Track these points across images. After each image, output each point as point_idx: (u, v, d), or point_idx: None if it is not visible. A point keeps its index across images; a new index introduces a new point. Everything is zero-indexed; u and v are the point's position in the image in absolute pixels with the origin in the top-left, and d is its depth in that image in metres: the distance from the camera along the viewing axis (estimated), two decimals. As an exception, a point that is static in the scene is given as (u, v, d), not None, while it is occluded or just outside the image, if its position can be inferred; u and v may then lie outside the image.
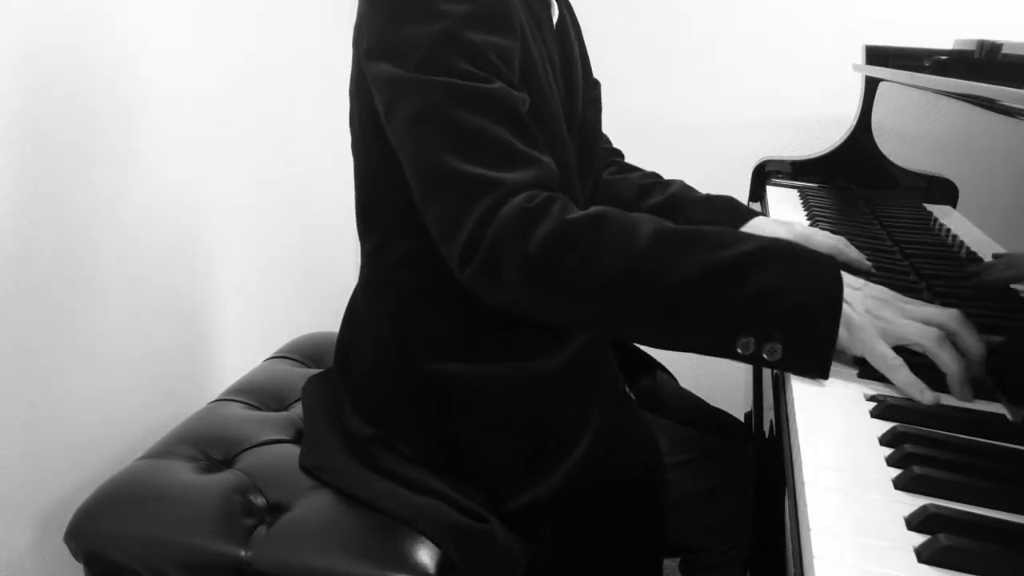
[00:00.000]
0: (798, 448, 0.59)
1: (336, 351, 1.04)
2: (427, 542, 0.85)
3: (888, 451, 0.59)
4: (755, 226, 1.03)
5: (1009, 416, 0.67)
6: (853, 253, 0.98)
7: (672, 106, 1.85)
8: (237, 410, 1.10)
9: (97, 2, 1.15)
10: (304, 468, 0.95)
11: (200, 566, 0.85)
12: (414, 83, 0.77)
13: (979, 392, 0.70)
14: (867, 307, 0.71)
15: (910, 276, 0.98)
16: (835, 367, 0.73)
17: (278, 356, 1.29)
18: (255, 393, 1.15)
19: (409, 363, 0.92)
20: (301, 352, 1.29)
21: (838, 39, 1.63)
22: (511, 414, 0.90)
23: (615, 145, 1.25)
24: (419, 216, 0.81)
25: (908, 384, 0.68)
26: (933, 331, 0.69)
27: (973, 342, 0.70)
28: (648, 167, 1.20)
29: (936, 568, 0.47)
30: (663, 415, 1.06)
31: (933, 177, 1.12)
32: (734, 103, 1.81)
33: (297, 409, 1.10)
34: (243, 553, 0.84)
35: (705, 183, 1.14)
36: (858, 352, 0.70)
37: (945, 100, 1.06)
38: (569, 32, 0.99)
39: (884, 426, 0.63)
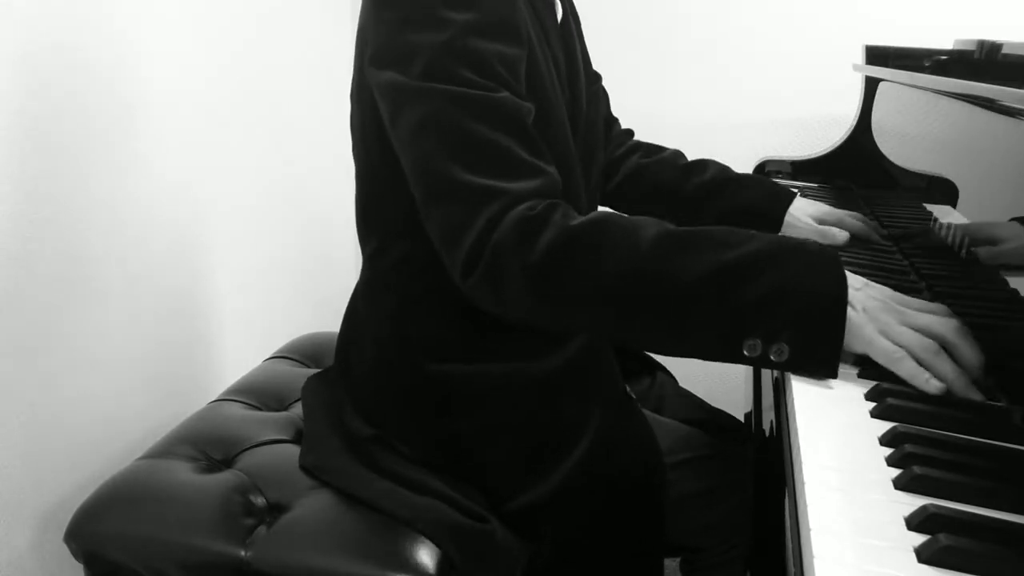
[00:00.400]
0: (798, 448, 0.59)
1: (336, 351, 1.04)
2: (427, 542, 0.85)
3: (888, 451, 0.59)
4: (798, 204, 1.11)
5: (1009, 416, 0.67)
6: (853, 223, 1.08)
7: (672, 106, 1.86)
8: (237, 410, 1.10)
9: (97, 2, 1.15)
10: (304, 468, 0.95)
11: (200, 566, 0.85)
12: (418, 91, 0.77)
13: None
14: (866, 307, 0.71)
15: (910, 276, 0.98)
16: (835, 367, 0.73)
17: (278, 356, 1.29)
18: (255, 393, 1.15)
19: (409, 363, 0.92)
20: (301, 352, 1.29)
21: (838, 39, 1.63)
22: (511, 414, 0.90)
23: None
24: (419, 218, 0.81)
25: (913, 375, 0.67)
26: (929, 343, 0.69)
27: (970, 355, 0.69)
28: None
29: (936, 568, 0.47)
30: (663, 415, 1.06)
31: (933, 177, 1.12)
32: (734, 103, 1.81)
33: (297, 409, 1.10)
34: (243, 553, 0.84)
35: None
36: (860, 350, 0.70)
37: (945, 100, 1.06)
38: (572, 31, 0.99)
39: (884, 426, 0.63)
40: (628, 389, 1.02)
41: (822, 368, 0.69)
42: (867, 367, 0.72)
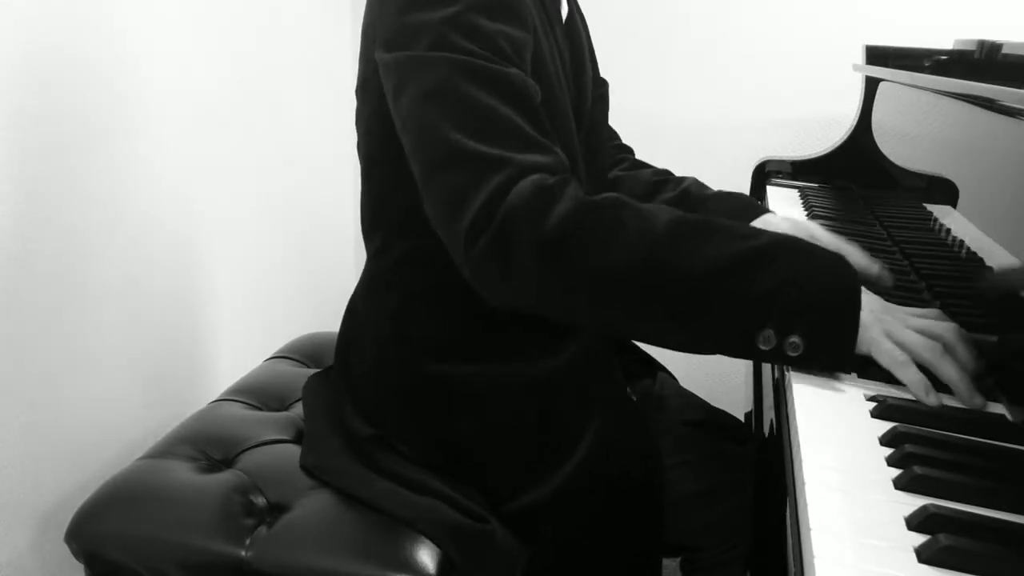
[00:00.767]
0: (798, 448, 0.59)
1: (336, 351, 1.04)
2: (427, 542, 0.85)
3: (888, 451, 0.59)
4: (765, 222, 1.02)
5: (1009, 416, 0.67)
6: (865, 261, 0.89)
7: (672, 106, 1.86)
8: (237, 410, 1.10)
9: (97, 2, 1.15)
10: (304, 468, 0.95)
11: (200, 566, 0.85)
12: (425, 61, 0.75)
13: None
14: (871, 308, 0.71)
15: (910, 276, 0.98)
16: (835, 367, 0.73)
17: (278, 356, 1.29)
18: (255, 393, 1.15)
19: (409, 363, 0.92)
20: (301, 352, 1.29)
21: (838, 39, 1.63)
22: (511, 415, 0.89)
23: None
24: (422, 215, 0.79)
25: (915, 382, 0.67)
26: (933, 344, 0.68)
27: (967, 358, 0.69)
28: (649, 167, 1.20)
29: (936, 568, 0.47)
30: (664, 415, 1.06)
31: (933, 177, 1.12)
32: (734, 103, 1.81)
33: (297, 409, 1.10)
34: (243, 553, 0.84)
35: (705, 183, 1.14)
36: (865, 350, 0.69)
37: (945, 100, 1.06)
38: (578, 29, 0.99)
39: (884, 426, 0.63)
40: (628, 390, 1.02)
41: (838, 359, 0.68)
42: (866, 368, 0.72)
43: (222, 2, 1.45)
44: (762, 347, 0.67)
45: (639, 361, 1.13)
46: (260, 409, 1.12)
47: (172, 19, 1.31)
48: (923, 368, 0.68)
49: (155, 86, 1.28)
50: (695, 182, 1.11)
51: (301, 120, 1.76)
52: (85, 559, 0.89)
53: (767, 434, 0.72)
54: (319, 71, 1.80)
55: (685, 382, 1.18)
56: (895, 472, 0.56)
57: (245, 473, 0.95)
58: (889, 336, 0.69)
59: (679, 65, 1.83)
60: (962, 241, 0.92)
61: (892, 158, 1.36)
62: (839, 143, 1.51)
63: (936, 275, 0.95)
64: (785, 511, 0.56)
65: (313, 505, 0.89)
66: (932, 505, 0.52)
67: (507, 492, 0.88)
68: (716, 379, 1.72)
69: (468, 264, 0.73)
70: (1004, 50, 1.20)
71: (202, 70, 1.40)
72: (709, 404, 1.12)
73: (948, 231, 0.98)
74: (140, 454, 0.99)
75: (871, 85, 1.46)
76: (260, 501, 0.91)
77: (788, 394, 0.68)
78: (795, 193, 1.46)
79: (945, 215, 1.00)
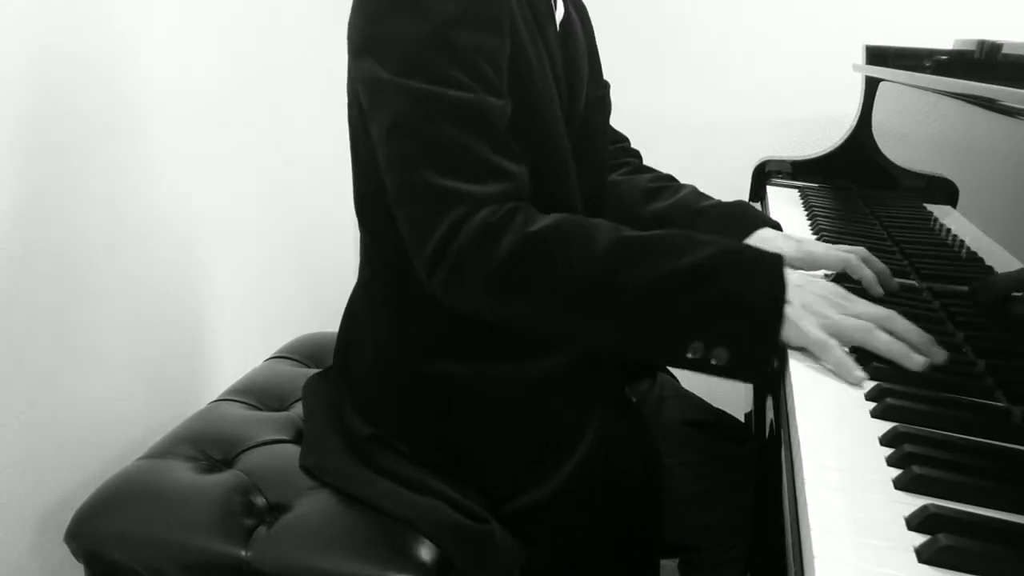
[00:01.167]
0: (798, 448, 0.59)
1: (335, 351, 1.04)
2: (427, 542, 0.85)
3: (888, 451, 0.59)
4: (761, 238, 0.99)
5: (1009, 416, 0.67)
6: (866, 272, 0.89)
7: (672, 106, 1.85)
8: (237, 410, 1.10)
9: (97, 2, 1.15)
10: (304, 468, 0.95)
11: (200, 566, 0.85)
12: (393, 88, 0.78)
13: (979, 392, 0.70)
14: (804, 302, 0.74)
15: (910, 276, 0.98)
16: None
17: (278, 356, 1.29)
18: (255, 393, 1.15)
19: (408, 363, 0.92)
20: (301, 352, 1.29)
21: (838, 39, 1.63)
22: (510, 415, 0.89)
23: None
24: None
25: (840, 363, 0.70)
26: (862, 323, 0.72)
27: (909, 331, 0.72)
28: (648, 167, 1.20)
29: (936, 568, 0.47)
30: (664, 416, 1.06)
31: (933, 177, 1.12)
32: (734, 103, 1.81)
33: (297, 409, 1.10)
34: (243, 553, 0.84)
35: (705, 183, 1.13)
36: (796, 343, 0.72)
37: (945, 100, 1.06)
38: (575, 32, 0.99)
39: (884, 426, 0.63)
40: (628, 390, 1.02)
41: (757, 370, 0.72)
42: (867, 368, 0.72)
43: (222, 2, 1.45)
44: (690, 356, 0.72)
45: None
46: (260, 409, 1.12)
47: (173, 19, 1.31)
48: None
49: (155, 86, 1.28)
50: (691, 192, 1.08)
51: (301, 120, 1.76)
52: (85, 559, 0.89)
53: (767, 434, 0.72)
54: (319, 71, 1.79)
55: (685, 382, 1.18)
56: (895, 472, 0.56)
57: (245, 473, 0.95)
58: (823, 326, 0.72)
59: (679, 65, 1.83)
60: (962, 241, 0.92)
61: (892, 158, 1.36)
62: (839, 143, 1.51)
63: (936, 275, 0.95)
64: (785, 511, 0.56)
65: (313, 505, 0.89)
66: (932, 505, 0.52)
67: (507, 492, 0.88)
68: (716, 379, 1.72)
69: (430, 287, 0.80)
70: (1004, 50, 1.20)
71: (202, 70, 1.40)
72: (709, 404, 1.12)
73: (948, 231, 0.98)
74: (140, 454, 0.99)
75: (871, 85, 1.46)
76: (260, 501, 0.91)
77: (788, 394, 0.68)
78: (795, 193, 1.45)
79: (945, 215, 1.00)
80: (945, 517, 0.50)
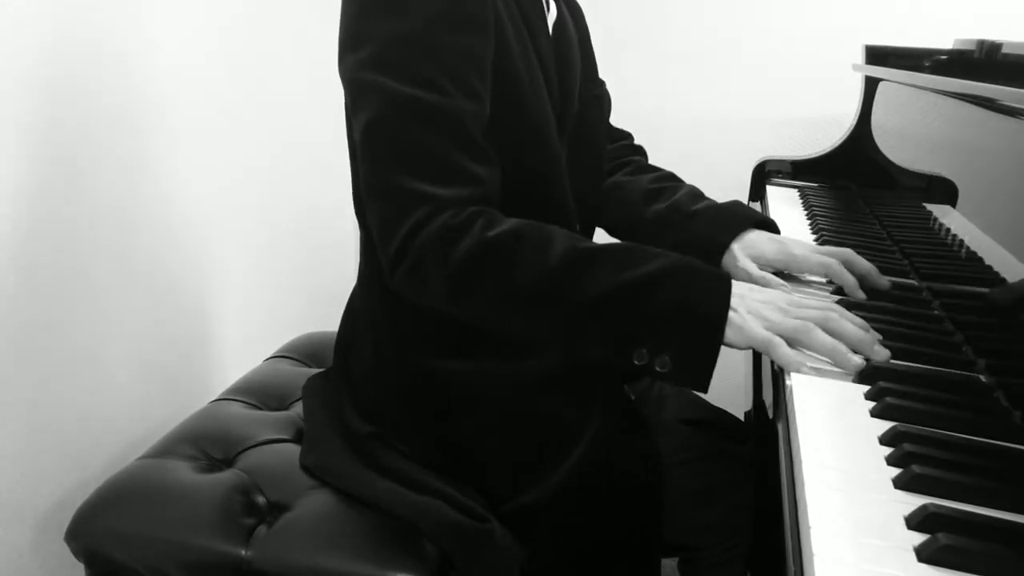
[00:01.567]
0: (798, 448, 0.59)
1: (335, 351, 1.04)
2: (427, 542, 0.85)
3: (888, 450, 0.59)
4: (746, 241, 0.99)
5: (1009, 416, 0.67)
6: (847, 278, 0.90)
7: (672, 106, 1.85)
8: (237, 409, 1.10)
9: (97, 3, 1.15)
10: (304, 468, 0.95)
11: (201, 566, 0.85)
12: (371, 87, 0.79)
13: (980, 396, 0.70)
14: (749, 308, 0.76)
15: (910, 276, 0.98)
16: (835, 367, 0.73)
17: (278, 356, 1.29)
18: (255, 392, 1.15)
19: (408, 362, 0.92)
20: (301, 352, 1.29)
21: (838, 39, 1.63)
22: (510, 414, 0.90)
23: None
24: None
25: (787, 358, 0.73)
26: (801, 324, 0.75)
27: (849, 332, 0.74)
28: (648, 167, 1.19)
29: (936, 567, 0.47)
30: (663, 415, 1.06)
31: (933, 177, 1.12)
32: (734, 103, 1.81)
33: (297, 408, 1.10)
34: (243, 553, 0.84)
35: (705, 183, 1.13)
36: (743, 345, 0.75)
37: (945, 100, 1.06)
38: (567, 32, 0.99)
39: (884, 425, 0.63)
40: (627, 388, 1.02)
41: (697, 379, 0.75)
42: (867, 367, 0.72)
43: (228, 2, 1.45)
44: (636, 362, 0.75)
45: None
46: (260, 409, 1.12)
47: (171, 15, 1.31)
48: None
49: (157, 85, 1.28)
50: (688, 194, 1.08)
51: (302, 120, 1.76)
52: (85, 559, 0.89)
53: (767, 434, 0.72)
54: (323, 71, 1.79)
55: (685, 382, 1.18)
56: (895, 471, 0.56)
57: (245, 472, 0.95)
58: (768, 328, 0.75)
59: (679, 65, 1.83)
60: (962, 241, 0.92)
61: (892, 158, 1.36)
62: (839, 143, 1.51)
63: (936, 275, 0.95)
64: (785, 511, 0.56)
65: (313, 505, 0.90)
66: (932, 504, 0.52)
67: (506, 491, 0.88)
68: (716, 379, 1.71)
69: (393, 284, 0.82)
70: (1004, 50, 1.20)
71: (205, 69, 1.40)
72: (709, 403, 1.12)
73: (948, 231, 0.98)
74: (140, 453, 0.99)
75: (871, 85, 1.46)
76: (260, 500, 0.91)
77: (788, 394, 0.68)
78: (795, 193, 1.46)
79: (945, 215, 1.00)
80: (945, 516, 0.51)
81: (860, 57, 1.45)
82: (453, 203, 0.79)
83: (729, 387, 1.79)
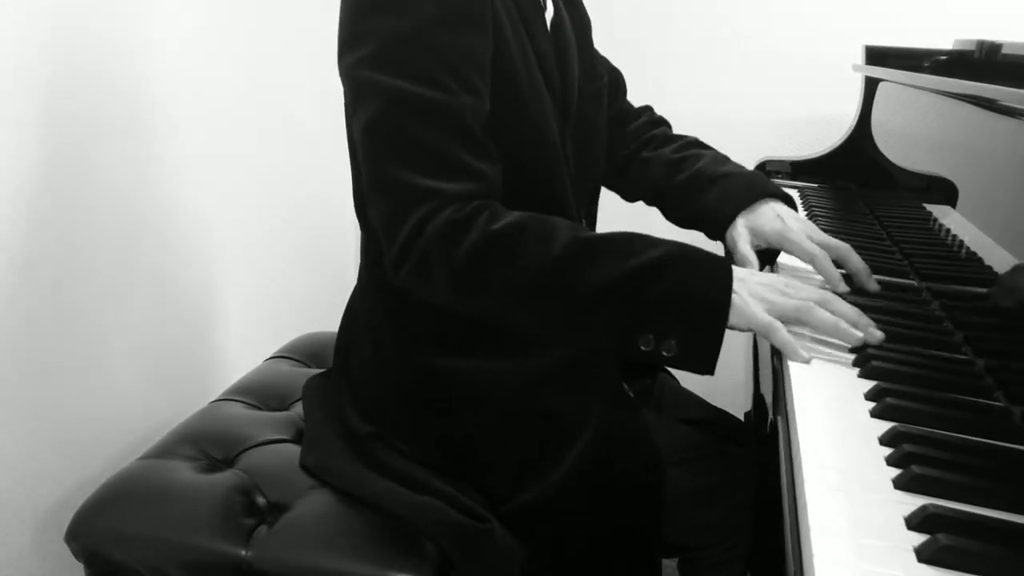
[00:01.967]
0: (798, 448, 0.59)
1: (336, 351, 1.04)
2: (427, 542, 0.85)
3: (888, 451, 0.59)
4: (756, 212, 1.00)
5: (1009, 416, 0.67)
6: (831, 272, 0.91)
7: (672, 106, 1.84)
8: (238, 410, 1.10)
9: (97, 3, 1.15)
10: (305, 468, 0.95)
11: (201, 566, 0.85)
12: (371, 85, 0.80)
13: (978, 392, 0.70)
14: (751, 291, 0.78)
15: (909, 276, 0.98)
16: (835, 367, 0.73)
17: (278, 356, 1.29)
18: (256, 393, 1.15)
19: (408, 361, 0.92)
20: (301, 352, 1.29)
21: (838, 39, 1.63)
22: (510, 413, 0.90)
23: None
24: None
25: (785, 343, 0.75)
26: (805, 303, 0.77)
27: (847, 311, 0.77)
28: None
29: (936, 568, 0.47)
30: (663, 414, 1.06)
31: (933, 177, 1.12)
32: (734, 103, 1.81)
33: (298, 409, 1.10)
34: (244, 553, 0.84)
35: (724, 155, 1.13)
36: (745, 328, 0.77)
37: (945, 100, 1.06)
38: (566, 31, 0.99)
39: (884, 426, 0.63)
40: (627, 388, 1.02)
41: (704, 362, 0.76)
42: (867, 367, 0.72)
43: (232, 4, 1.45)
44: (643, 348, 0.77)
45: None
46: (260, 409, 1.12)
47: (174, 14, 1.31)
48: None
49: (158, 85, 1.28)
50: (710, 160, 1.09)
51: (303, 121, 1.76)
52: (85, 559, 0.89)
53: (767, 434, 0.72)
54: (326, 70, 1.80)
55: (685, 381, 1.18)
56: (895, 472, 0.56)
57: (245, 473, 0.95)
58: (768, 311, 0.77)
59: (679, 65, 1.83)
60: (962, 241, 0.92)
61: (892, 158, 1.36)
62: (839, 143, 1.51)
63: (935, 275, 0.95)
64: (785, 511, 0.56)
65: (313, 505, 0.90)
66: (932, 505, 0.52)
67: (506, 490, 0.88)
68: (716, 379, 1.71)
69: (397, 280, 0.82)
70: (1004, 50, 1.20)
71: (207, 69, 1.40)
72: (709, 403, 1.12)
73: (948, 231, 0.98)
74: (140, 454, 0.99)
75: (871, 85, 1.46)
76: (260, 501, 0.91)
77: (788, 394, 0.68)
78: (795, 193, 1.45)
79: (945, 215, 1.00)
80: (944, 517, 0.51)
81: (860, 57, 1.45)
82: (458, 198, 0.79)
83: (729, 387, 1.79)
